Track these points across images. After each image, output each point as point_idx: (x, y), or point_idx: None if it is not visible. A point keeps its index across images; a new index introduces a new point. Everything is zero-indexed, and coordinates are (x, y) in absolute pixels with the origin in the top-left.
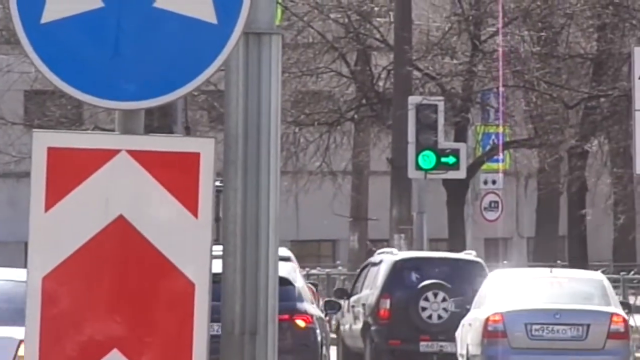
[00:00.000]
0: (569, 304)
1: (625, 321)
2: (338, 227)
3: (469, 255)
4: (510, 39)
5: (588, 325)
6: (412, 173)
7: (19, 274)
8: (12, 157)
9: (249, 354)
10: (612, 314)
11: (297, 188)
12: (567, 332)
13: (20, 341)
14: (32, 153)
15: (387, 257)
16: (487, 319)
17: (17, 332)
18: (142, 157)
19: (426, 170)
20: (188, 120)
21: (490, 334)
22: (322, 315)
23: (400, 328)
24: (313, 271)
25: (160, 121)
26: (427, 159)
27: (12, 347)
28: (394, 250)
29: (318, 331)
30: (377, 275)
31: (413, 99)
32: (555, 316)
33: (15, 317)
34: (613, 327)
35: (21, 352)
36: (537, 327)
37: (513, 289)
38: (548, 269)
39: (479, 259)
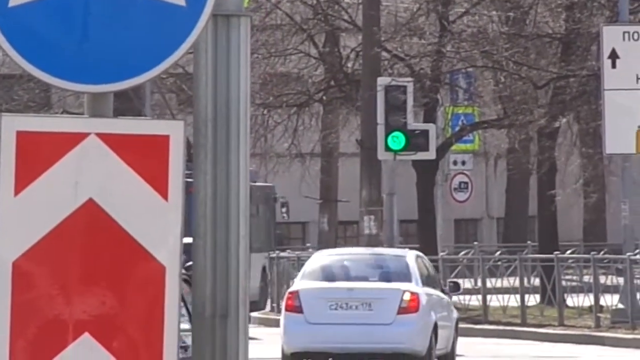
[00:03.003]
0: (364, 282)
1: (415, 298)
2: (308, 209)
3: None
4: (478, 19)
5: (379, 300)
6: (381, 154)
7: None
8: None
9: (220, 337)
10: (403, 291)
11: (266, 170)
12: (360, 308)
13: None
14: (1, 137)
15: None
16: (286, 296)
17: None
18: (111, 140)
19: (396, 152)
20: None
21: (289, 309)
22: None
23: None
24: (283, 254)
25: (129, 104)
26: (397, 140)
27: None
28: None
29: None
30: None
31: (382, 80)
32: (348, 293)
33: None
34: (403, 303)
35: None
36: (332, 303)
37: (320, 268)
38: (359, 249)
39: None
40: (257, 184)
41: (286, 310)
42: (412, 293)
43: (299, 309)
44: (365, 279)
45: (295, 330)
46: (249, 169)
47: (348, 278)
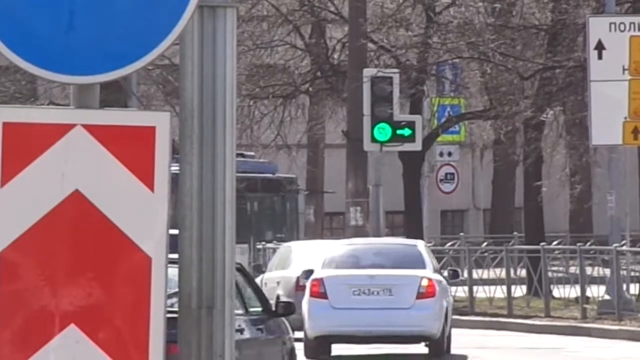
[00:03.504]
0: (384, 269)
1: (432, 284)
2: None
3: None
4: (464, 10)
5: (399, 286)
6: (367, 145)
7: None
8: None
9: (206, 328)
10: (421, 277)
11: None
12: (381, 293)
13: None
14: None
15: None
16: (310, 283)
17: None
18: (97, 131)
19: (382, 143)
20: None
21: (314, 295)
22: None
23: None
24: (269, 245)
25: (114, 95)
26: (383, 131)
27: None
28: None
29: None
30: None
31: (368, 72)
32: (370, 279)
33: None
34: (421, 289)
35: None
36: (355, 289)
37: (340, 257)
38: (371, 239)
39: None
40: (280, 175)
41: (311, 296)
42: (429, 279)
43: (324, 295)
44: (383, 266)
45: (321, 314)
46: (268, 162)
47: (367, 266)
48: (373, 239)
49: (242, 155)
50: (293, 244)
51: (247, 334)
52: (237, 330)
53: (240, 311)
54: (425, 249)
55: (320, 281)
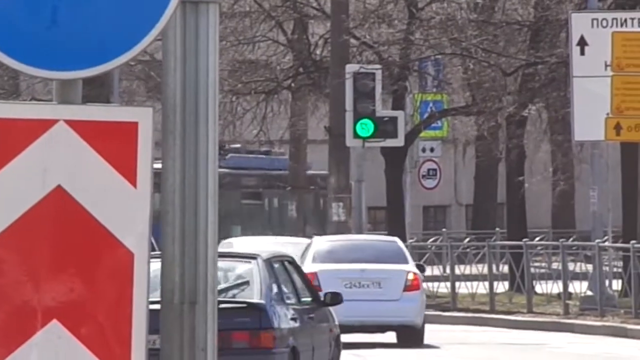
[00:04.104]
0: (372, 264)
1: (417, 277)
2: None
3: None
4: (447, 6)
5: (387, 280)
6: (350, 141)
7: None
8: None
9: (188, 324)
10: (407, 272)
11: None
12: (370, 286)
13: None
14: None
15: None
16: None
17: None
18: (80, 126)
19: (364, 139)
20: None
21: None
22: None
23: None
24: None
25: (97, 91)
26: (365, 127)
27: None
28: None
29: None
30: None
31: (350, 68)
32: (360, 273)
33: None
34: (407, 282)
35: None
36: (346, 282)
37: (327, 252)
38: (351, 236)
39: None
40: (314, 172)
41: None
42: (414, 274)
43: (318, 288)
44: (370, 261)
45: None
46: (306, 161)
47: (355, 260)
48: (352, 235)
49: (267, 153)
50: (234, 240)
51: (300, 323)
52: (291, 319)
53: (293, 301)
54: (403, 245)
55: (314, 275)
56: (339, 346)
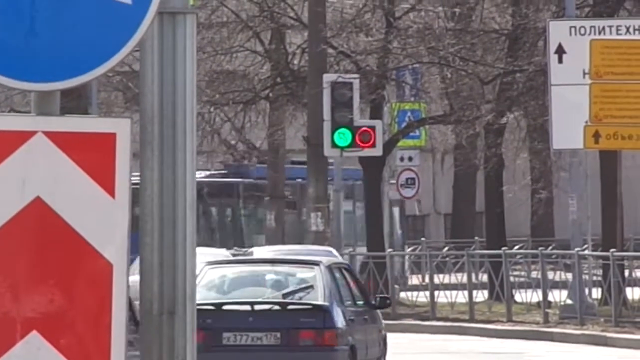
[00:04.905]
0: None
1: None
2: None
3: None
4: (424, 15)
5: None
6: (328, 151)
7: None
8: None
9: (167, 334)
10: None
11: (213, 167)
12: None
13: None
14: None
15: None
16: None
17: None
18: (58, 138)
19: (342, 148)
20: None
21: None
22: None
23: None
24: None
25: (74, 102)
26: (343, 136)
27: None
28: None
29: None
30: None
31: (328, 77)
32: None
33: None
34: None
35: None
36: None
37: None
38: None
39: None
40: (355, 182)
41: None
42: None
43: None
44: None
45: None
46: (356, 169)
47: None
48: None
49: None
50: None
51: (356, 323)
52: (350, 320)
53: (350, 303)
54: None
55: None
56: (386, 345)
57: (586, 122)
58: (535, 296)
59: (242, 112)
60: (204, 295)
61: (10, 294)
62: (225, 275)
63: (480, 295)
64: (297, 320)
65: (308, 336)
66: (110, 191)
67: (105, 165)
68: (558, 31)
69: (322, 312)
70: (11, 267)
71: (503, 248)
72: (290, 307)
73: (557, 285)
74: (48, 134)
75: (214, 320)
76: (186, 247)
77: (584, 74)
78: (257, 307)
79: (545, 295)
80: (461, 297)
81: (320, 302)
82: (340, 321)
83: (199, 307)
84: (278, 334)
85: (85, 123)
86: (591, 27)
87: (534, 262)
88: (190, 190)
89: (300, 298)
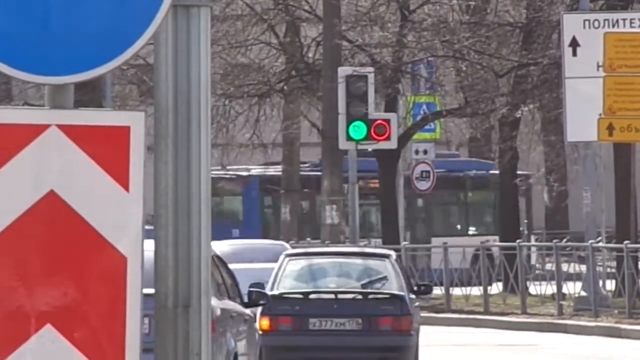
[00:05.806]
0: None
1: None
2: None
3: None
4: (439, 8)
5: None
6: (343, 144)
7: None
8: None
9: (182, 327)
10: None
11: (227, 160)
12: None
13: None
14: None
15: None
16: None
17: None
18: (72, 131)
19: (357, 141)
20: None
21: None
22: None
23: None
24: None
25: (89, 95)
26: (358, 129)
27: None
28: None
29: None
30: None
31: (343, 70)
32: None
33: None
34: None
35: None
36: None
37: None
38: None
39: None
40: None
41: None
42: None
43: None
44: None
45: None
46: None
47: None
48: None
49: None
50: None
51: (417, 310)
52: (414, 307)
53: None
54: None
55: None
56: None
57: (600, 114)
58: (549, 288)
59: (256, 105)
60: (290, 284)
61: (24, 287)
62: (306, 266)
63: (495, 288)
64: (377, 307)
65: (387, 322)
66: (125, 184)
67: (119, 158)
68: (572, 24)
69: (399, 301)
70: (25, 260)
71: (517, 240)
72: (370, 296)
73: (571, 277)
74: (62, 127)
75: (302, 307)
76: (201, 241)
77: (598, 66)
78: (340, 296)
79: (559, 287)
80: (476, 289)
81: (396, 291)
82: (412, 308)
83: (288, 295)
84: (360, 320)
85: (99, 116)
86: (605, 20)
87: (548, 254)
88: (205, 183)
89: (378, 287)
